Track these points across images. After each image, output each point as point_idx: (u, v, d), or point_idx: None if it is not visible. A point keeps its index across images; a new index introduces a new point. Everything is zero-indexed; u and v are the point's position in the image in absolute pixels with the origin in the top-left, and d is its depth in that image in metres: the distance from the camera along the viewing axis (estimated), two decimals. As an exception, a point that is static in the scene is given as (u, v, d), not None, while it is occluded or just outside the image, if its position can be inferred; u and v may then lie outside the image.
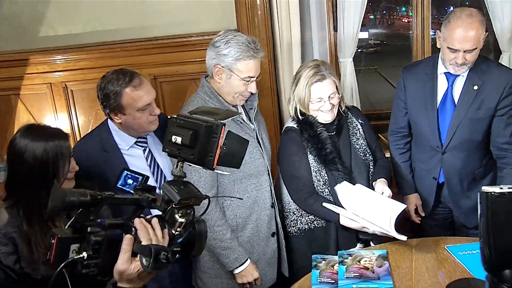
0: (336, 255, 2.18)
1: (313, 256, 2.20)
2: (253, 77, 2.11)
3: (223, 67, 2.07)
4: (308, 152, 2.26)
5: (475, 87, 2.30)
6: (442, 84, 2.38)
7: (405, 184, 2.60)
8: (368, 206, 2.15)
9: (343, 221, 2.20)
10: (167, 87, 3.13)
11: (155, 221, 1.20)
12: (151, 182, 2.09)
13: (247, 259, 2.16)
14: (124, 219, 1.22)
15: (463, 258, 2.06)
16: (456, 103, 2.35)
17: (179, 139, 1.16)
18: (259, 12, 2.94)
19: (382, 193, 2.22)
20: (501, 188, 1.19)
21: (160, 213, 1.23)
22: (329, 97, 2.23)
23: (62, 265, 1.08)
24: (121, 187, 1.70)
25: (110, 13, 3.07)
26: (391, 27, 13.49)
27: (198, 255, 1.27)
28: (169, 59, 3.08)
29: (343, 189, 2.24)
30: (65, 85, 3.12)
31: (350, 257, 2.15)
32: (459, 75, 2.32)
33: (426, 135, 2.44)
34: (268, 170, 2.27)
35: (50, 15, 3.09)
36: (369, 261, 2.12)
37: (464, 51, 2.19)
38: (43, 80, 3.13)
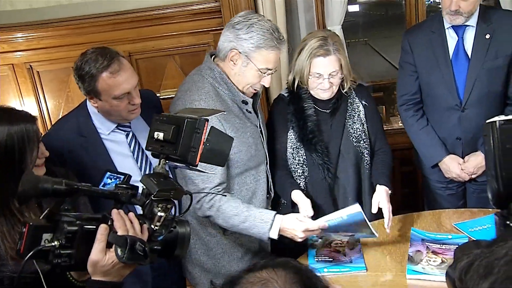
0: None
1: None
2: (271, 70, 2.04)
3: (240, 52, 1.99)
4: (290, 127, 2.24)
5: (487, 36, 2.34)
6: (451, 38, 2.41)
7: (434, 150, 2.51)
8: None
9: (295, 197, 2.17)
10: (143, 64, 3.07)
11: (132, 214, 1.22)
12: (135, 169, 2.06)
13: (275, 214, 2.02)
14: (102, 214, 1.23)
15: (475, 234, 2.02)
16: (470, 56, 2.38)
17: (161, 135, 1.20)
18: (241, -21, 2.88)
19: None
20: (506, 115, 1.19)
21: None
22: (329, 74, 2.17)
23: (32, 252, 1.08)
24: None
25: (77, -16, 2.97)
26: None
27: (181, 256, 1.30)
28: (144, 33, 3.01)
29: None
30: (30, 66, 3.03)
31: (320, 240, 2.15)
32: (468, 26, 2.36)
33: (442, 94, 2.45)
34: (266, 159, 2.22)
35: (7, -13, 2.98)
36: (340, 244, 2.13)
37: None
38: (4, 61, 3.02)
